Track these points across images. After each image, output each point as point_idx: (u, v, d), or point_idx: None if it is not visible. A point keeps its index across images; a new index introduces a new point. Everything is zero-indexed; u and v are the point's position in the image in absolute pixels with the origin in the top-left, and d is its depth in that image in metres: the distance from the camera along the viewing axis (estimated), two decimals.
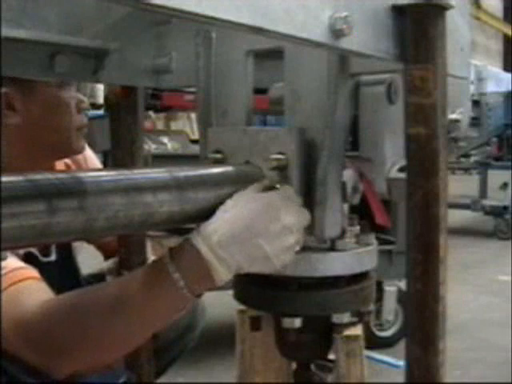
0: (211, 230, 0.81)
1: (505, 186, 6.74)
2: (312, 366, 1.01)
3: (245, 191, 0.84)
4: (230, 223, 0.81)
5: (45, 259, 1.35)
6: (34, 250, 1.30)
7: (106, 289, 0.97)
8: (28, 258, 1.26)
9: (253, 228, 0.82)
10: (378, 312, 3.09)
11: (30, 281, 1.05)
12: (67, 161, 1.49)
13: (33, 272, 1.07)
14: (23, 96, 1.25)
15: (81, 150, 1.39)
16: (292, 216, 0.84)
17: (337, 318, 0.93)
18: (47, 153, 1.32)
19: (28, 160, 1.27)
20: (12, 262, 1.07)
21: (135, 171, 0.80)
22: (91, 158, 1.58)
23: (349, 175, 0.95)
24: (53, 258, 1.38)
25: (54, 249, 1.39)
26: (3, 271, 1.03)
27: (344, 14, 0.66)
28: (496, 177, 7.02)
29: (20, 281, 1.03)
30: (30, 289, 1.03)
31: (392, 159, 1.03)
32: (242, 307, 0.99)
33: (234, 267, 0.82)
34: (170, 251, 0.85)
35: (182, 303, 0.85)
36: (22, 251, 1.26)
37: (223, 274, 0.82)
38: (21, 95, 1.25)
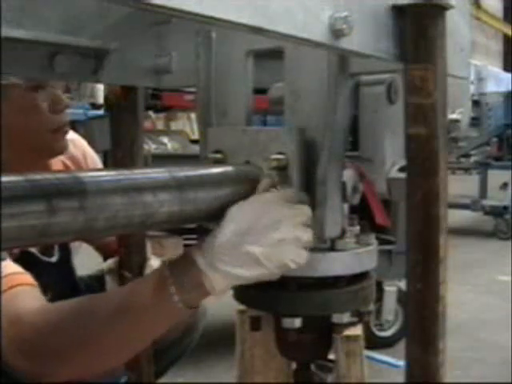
0: (209, 242, 0.83)
1: (505, 186, 6.74)
2: (312, 366, 1.01)
3: (246, 202, 0.84)
4: (227, 235, 0.82)
5: (46, 259, 1.34)
6: (33, 249, 1.30)
7: (107, 296, 0.98)
8: (26, 257, 1.25)
9: (248, 238, 0.82)
10: (378, 312, 3.09)
11: (25, 287, 1.04)
12: (66, 160, 1.49)
13: (28, 278, 1.07)
14: None
15: (61, 151, 1.37)
16: (287, 228, 0.83)
17: (337, 318, 0.93)
18: (23, 155, 1.30)
19: (8, 162, 1.25)
20: (9, 266, 1.06)
21: (135, 171, 0.80)
22: (91, 156, 1.57)
23: (349, 175, 0.95)
24: (54, 259, 1.38)
25: (56, 250, 1.39)
26: (1, 274, 1.02)
27: (344, 13, 0.66)
28: (496, 177, 7.02)
29: (16, 286, 1.02)
30: (25, 295, 1.02)
31: (392, 159, 1.03)
32: (241, 307, 0.99)
33: (228, 276, 0.82)
34: (170, 263, 0.86)
35: (177, 315, 0.87)
36: (17, 250, 1.25)
37: (216, 283, 0.83)
38: None
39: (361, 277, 0.94)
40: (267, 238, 0.82)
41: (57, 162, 1.44)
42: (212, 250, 0.82)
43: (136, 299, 0.88)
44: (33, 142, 1.30)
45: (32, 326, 0.95)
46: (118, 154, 1.17)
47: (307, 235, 0.84)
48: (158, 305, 0.85)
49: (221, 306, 1.06)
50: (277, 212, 0.83)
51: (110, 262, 1.29)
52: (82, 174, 0.72)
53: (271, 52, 0.95)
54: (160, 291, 0.84)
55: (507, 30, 20.07)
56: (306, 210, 0.86)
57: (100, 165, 1.64)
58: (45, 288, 1.10)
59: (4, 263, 1.06)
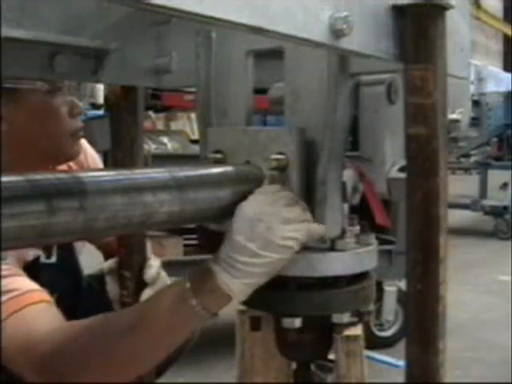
0: (221, 250, 0.85)
1: (505, 186, 6.75)
2: (312, 366, 1.01)
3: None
4: (233, 243, 0.84)
5: (45, 261, 1.35)
6: (41, 253, 1.30)
7: (125, 312, 1.02)
8: (33, 261, 1.26)
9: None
10: (378, 312, 3.09)
11: (40, 304, 1.06)
12: None
13: (43, 295, 1.08)
14: (9, 103, 1.23)
15: (76, 155, 1.37)
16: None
17: (337, 318, 0.93)
18: (40, 160, 1.30)
19: (23, 166, 1.25)
20: (22, 283, 1.08)
21: (135, 171, 0.80)
22: (92, 157, 1.57)
23: (349, 175, 0.95)
24: (53, 259, 1.38)
25: (54, 251, 1.39)
26: (14, 293, 1.05)
27: (344, 13, 0.66)
28: (496, 177, 7.03)
29: (29, 304, 1.04)
30: (40, 313, 1.04)
31: (392, 159, 1.03)
32: (242, 307, 0.99)
33: (240, 274, 0.83)
34: (190, 273, 0.87)
35: (197, 321, 0.89)
36: (31, 257, 1.26)
37: (230, 282, 0.84)
38: (7, 102, 1.23)
39: (361, 277, 0.94)
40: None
41: None
42: (223, 257, 0.84)
43: (155, 310, 0.90)
44: (49, 148, 1.29)
45: (49, 346, 0.98)
46: (118, 154, 1.17)
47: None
48: (178, 312, 0.87)
49: None
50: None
51: (111, 262, 1.29)
52: (82, 174, 0.72)
53: (271, 52, 0.95)
54: (179, 299, 0.86)
55: (507, 29, 20.08)
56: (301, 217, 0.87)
57: (101, 164, 1.64)
58: (48, 289, 1.10)
59: (18, 279, 1.08)
